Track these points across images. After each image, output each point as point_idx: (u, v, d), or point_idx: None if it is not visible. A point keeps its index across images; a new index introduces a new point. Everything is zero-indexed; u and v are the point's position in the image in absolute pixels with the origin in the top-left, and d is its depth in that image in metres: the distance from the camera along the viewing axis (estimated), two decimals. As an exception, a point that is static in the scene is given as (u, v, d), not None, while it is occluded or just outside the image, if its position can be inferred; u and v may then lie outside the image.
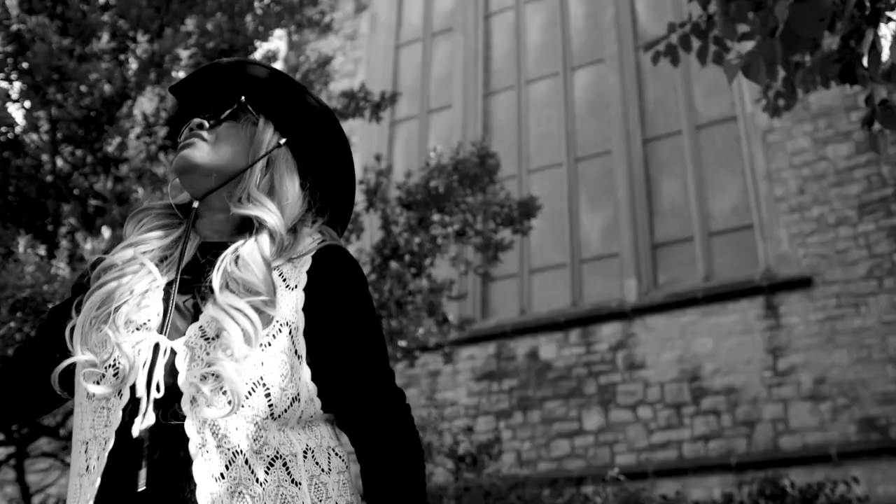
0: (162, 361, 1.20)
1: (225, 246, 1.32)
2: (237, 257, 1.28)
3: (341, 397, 1.33)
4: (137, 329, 1.23)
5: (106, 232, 3.60)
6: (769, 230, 8.08)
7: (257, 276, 1.25)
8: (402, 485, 1.30)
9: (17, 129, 4.50)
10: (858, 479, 6.26)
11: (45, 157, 4.59)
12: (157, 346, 1.21)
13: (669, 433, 7.65)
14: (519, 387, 8.43)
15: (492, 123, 10.29)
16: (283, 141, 1.40)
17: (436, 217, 5.37)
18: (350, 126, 9.66)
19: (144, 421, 1.16)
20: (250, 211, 1.32)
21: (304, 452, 1.25)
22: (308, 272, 1.33)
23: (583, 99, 9.90)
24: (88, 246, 3.45)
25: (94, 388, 1.20)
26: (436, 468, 6.56)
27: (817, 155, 8.09)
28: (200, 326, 1.22)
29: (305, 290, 1.30)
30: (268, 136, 1.39)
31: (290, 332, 1.26)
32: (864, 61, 2.34)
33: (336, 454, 1.32)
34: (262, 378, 1.21)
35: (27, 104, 4.39)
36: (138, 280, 1.28)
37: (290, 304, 1.28)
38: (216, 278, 1.25)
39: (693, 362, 7.81)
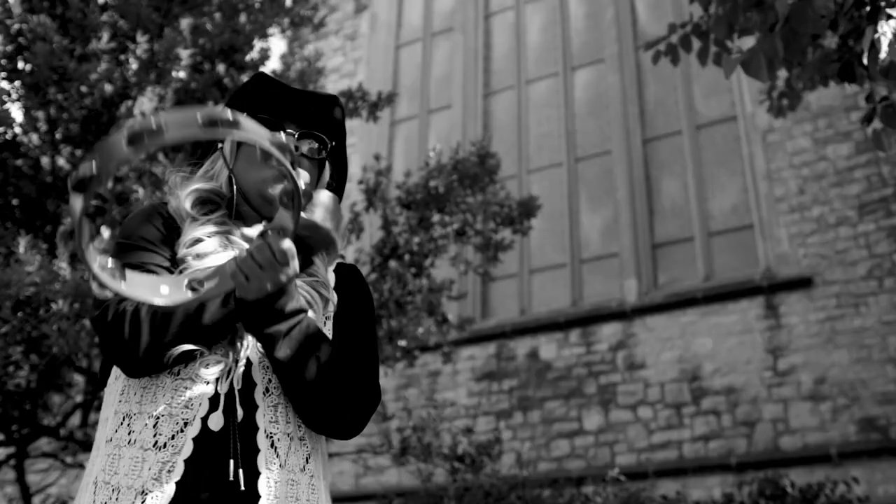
0: (245, 354, 1.28)
1: None
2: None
3: None
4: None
5: (105, 232, 3.60)
6: (769, 230, 8.08)
7: (318, 266, 1.39)
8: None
9: (17, 129, 4.50)
10: (858, 480, 6.25)
11: (44, 158, 4.59)
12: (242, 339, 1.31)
13: (669, 433, 7.65)
14: (519, 387, 8.42)
15: (492, 123, 10.29)
16: (329, 180, 1.54)
17: (435, 217, 5.37)
18: (350, 126, 9.65)
19: (227, 414, 1.23)
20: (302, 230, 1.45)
21: (317, 450, 1.35)
22: (336, 272, 1.51)
23: (583, 99, 9.90)
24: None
25: (204, 372, 1.25)
26: (435, 469, 6.56)
27: (817, 155, 8.09)
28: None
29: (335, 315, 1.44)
30: (327, 177, 1.52)
31: (324, 322, 1.41)
32: (864, 59, 2.34)
33: (325, 459, 1.41)
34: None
35: (27, 104, 4.39)
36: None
37: (333, 298, 1.43)
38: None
39: (693, 362, 7.80)
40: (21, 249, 3.44)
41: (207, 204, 1.44)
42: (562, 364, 8.34)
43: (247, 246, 1.27)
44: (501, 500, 6.20)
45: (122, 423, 1.26)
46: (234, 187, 1.44)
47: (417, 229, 5.33)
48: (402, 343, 5.41)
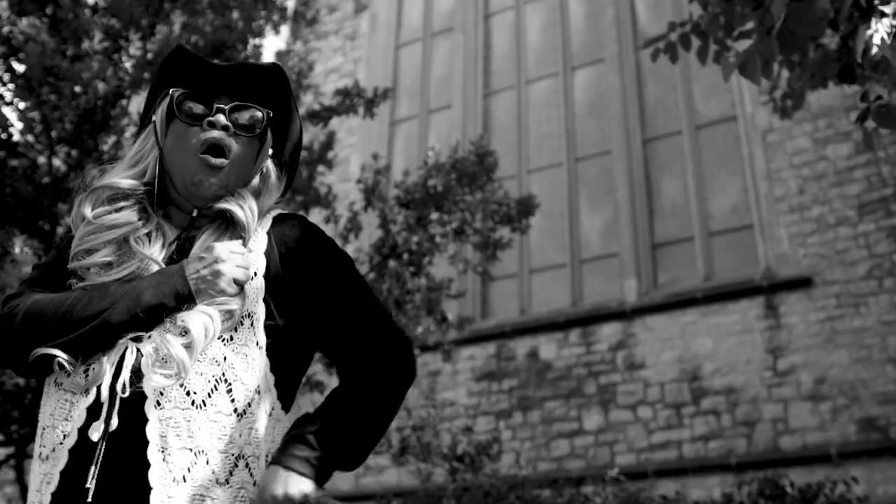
0: (128, 364, 1.19)
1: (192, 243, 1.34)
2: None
3: (343, 347, 1.34)
4: None
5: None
6: (769, 230, 8.07)
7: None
8: (374, 404, 1.31)
9: (12, 130, 4.50)
10: (858, 480, 6.24)
11: (41, 159, 4.59)
12: (125, 349, 1.21)
13: (669, 433, 7.64)
14: (519, 387, 8.42)
15: (492, 123, 10.29)
16: (271, 150, 1.43)
17: (434, 216, 5.37)
18: (350, 126, 9.67)
19: (104, 424, 1.16)
20: (229, 204, 1.33)
21: (267, 456, 1.25)
22: (265, 253, 1.34)
23: (583, 99, 9.90)
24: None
25: (64, 380, 1.21)
26: (435, 468, 6.55)
27: (817, 155, 8.08)
28: (164, 326, 1.23)
29: (265, 275, 1.32)
30: (268, 150, 1.41)
31: (251, 324, 1.27)
32: (858, 57, 2.34)
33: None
34: (223, 375, 1.22)
35: (21, 105, 4.39)
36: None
37: (250, 294, 1.29)
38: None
39: (693, 362, 7.80)
40: (17, 250, 3.44)
41: (117, 201, 1.34)
42: (562, 364, 8.33)
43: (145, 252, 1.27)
44: (501, 500, 6.19)
45: (37, 433, 1.26)
46: (157, 170, 1.35)
47: (416, 228, 5.33)
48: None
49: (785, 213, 8.00)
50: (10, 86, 4.34)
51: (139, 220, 1.33)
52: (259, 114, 1.37)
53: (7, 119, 4.27)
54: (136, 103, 4.84)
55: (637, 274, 8.56)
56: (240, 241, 1.31)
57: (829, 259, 7.64)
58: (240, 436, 1.22)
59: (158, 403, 1.18)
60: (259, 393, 1.25)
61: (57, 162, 4.63)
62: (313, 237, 1.39)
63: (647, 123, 9.38)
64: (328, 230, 6.47)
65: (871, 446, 6.83)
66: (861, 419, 6.99)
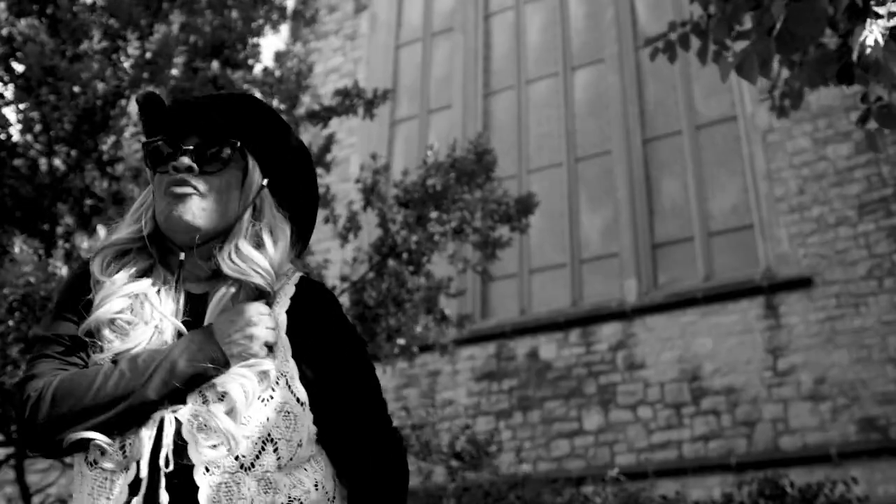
0: (168, 437, 1.17)
1: (207, 298, 1.30)
2: None
3: (338, 431, 1.32)
4: None
5: (102, 231, 3.60)
6: (769, 230, 8.07)
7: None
8: None
9: (12, 130, 4.51)
10: (858, 480, 6.24)
11: (40, 159, 4.59)
12: (162, 420, 1.19)
13: (669, 433, 7.64)
14: (519, 387, 8.42)
15: (492, 123, 10.29)
16: (265, 182, 1.36)
17: (433, 215, 5.37)
18: (349, 126, 9.66)
19: (153, 499, 1.14)
20: (241, 275, 1.28)
21: (315, 485, 1.27)
22: (287, 312, 1.32)
23: (583, 99, 9.90)
24: (85, 245, 3.46)
25: (100, 460, 1.18)
26: (435, 468, 6.55)
27: (817, 155, 8.08)
28: (202, 392, 1.21)
29: (288, 333, 1.30)
30: (256, 179, 1.35)
31: (286, 383, 1.26)
32: (854, 57, 2.34)
33: (337, 479, 1.34)
34: (269, 434, 1.21)
35: (21, 105, 4.40)
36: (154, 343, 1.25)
37: (280, 352, 1.28)
38: None
39: (693, 362, 7.80)
40: (17, 249, 3.45)
41: (123, 256, 1.32)
42: (562, 364, 8.33)
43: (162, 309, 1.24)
44: (501, 499, 6.19)
45: None
46: (151, 222, 1.33)
47: (415, 227, 5.33)
48: (402, 341, 5.40)
49: (785, 213, 8.00)
50: (10, 86, 4.35)
51: (147, 276, 1.31)
52: (226, 147, 1.32)
53: (7, 119, 4.28)
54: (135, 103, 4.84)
55: (637, 274, 8.56)
56: (263, 301, 1.29)
57: (829, 259, 7.64)
58: (286, 485, 1.23)
59: (207, 470, 1.17)
60: (300, 446, 1.25)
61: (56, 162, 4.63)
62: (337, 317, 1.37)
63: (647, 123, 9.38)
64: (327, 230, 6.48)
65: (871, 446, 6.83)
66: (861, 419, 6.99)
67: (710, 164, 8.89)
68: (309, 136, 6.53)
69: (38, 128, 4.57)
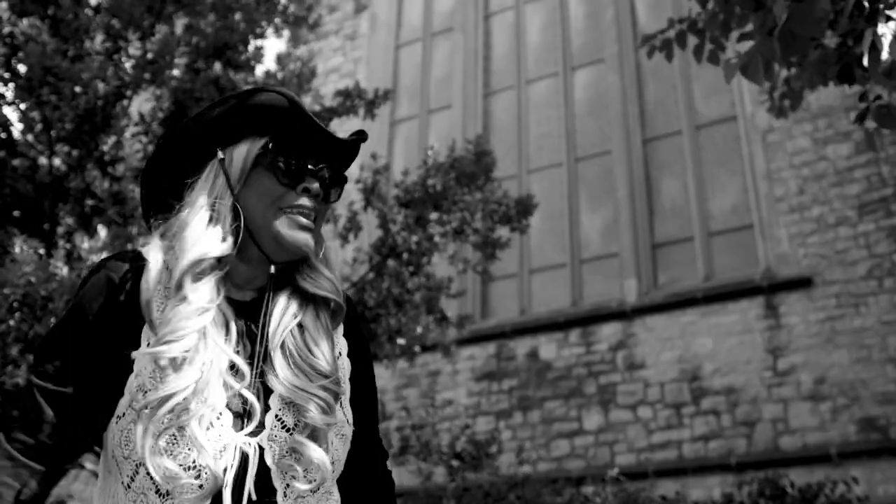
0: (253, 467, 1.12)
1: (256, 306, 1.23)
2: (302, 330, 1.21)
3: (358, 453, 1.31)
4: (211, 426, 1.12)
5: (102, 231, 3.60)
6: (769, 230, 8.07)
7: (326, 360, 1.19)
8: None
9: (13, 130, 4.51)
10: (858, 480, 6.25)
11: (41, 159, 4.59)
12: (242, 451, 1.13)
13: (669, 433, 7.64)
14: (519, 387, 8.42)
15: (492, 123, 10.29)
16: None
17: (433, 216, 5.37)
18: (350, 126, 9.66)
19: None
20: (319, 290, 1.24)
21: None
22: (344, 335, 1.32)
23: (583, 99, 9.90)
24: (86, 245, 3.46)
25: (173, 491, 1.09)
26: (435, 468, 6.55)
27: (817, 155, 8.09)
28: (277, 416, 1.16)
29: (349, 355, 1.30)
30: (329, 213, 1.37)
31: (341, 404, 1.24)
32: (864, 60, 2.33)
33: None
34: (332, 458, 1.20)
35: (22, 105, 4.39)
36: (210, 377, 1.13)
37: (341, 376, 1.26)
38: (278, 356, 1.17)
39: (693, 362, 7.80)
40: (17, 249, 3.44)
41: (204, 275, 1.17)
42: (562, 364, 8.33)
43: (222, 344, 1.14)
44: (501, 499, 6.19)
45: None
46: (241, 223, 1.19)
47: (415, 228, 5.33)
48: (402, 341, 5.41)
49: (785, 213, 8.01)
50: (11, 86, 4.34)
51: (218, 294, 1.18)
52: (342, 184, 1.29)
53: (7, 119, 4.28)
54: (137, 103, 4.84)
55: (637, 274, 8.56)
56: (327, 321, 1.26)
57: (829, 259, 7.65)
58: None
59: (284, 495, 1.14)
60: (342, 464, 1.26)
61: (57, 162, 4.62)
62: (366, 333, 1.43)
63: (647, 123, 9.38)
64: (327, 230, 6.48)
65: (871, 446, 6.83)
66: (861, 419, 6.99)
67: (710, 164, 8.89)
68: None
69: (38, 128, 4.57)
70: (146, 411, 1.09)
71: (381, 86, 9.16)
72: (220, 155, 1.22)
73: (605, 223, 9.18)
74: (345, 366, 1.28)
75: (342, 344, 1.30)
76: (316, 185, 1.22)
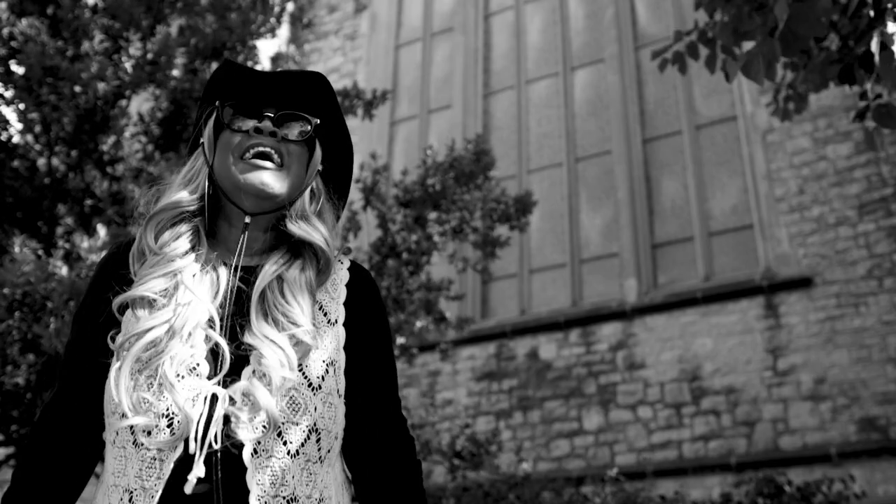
0: (220, 413, 1.14)
1: (257, 271, 1.26)
2: (281, 283, 1.24)
3: (361, 426, 1.32)
4: (187, 374, 1.17)
5: (102, 231, 3.60)
6: (769, 230, 8.07)
7: (302, 310, 1.22)
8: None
9: (12, 131, 4.51)
10: (855, 477, 6.25)
11: (40, 159, 4.59)
12: (213, 397, 1.16)
13: (669, 433, 7.64)
14: (519, 387, 8.42)
15: (492, 123, 10.29)
16: (320, 167, 1.36)
17: (433, 215, 5.37)
18: (350, 126, 9.65)
19: (196, 476, 1.11)
20: (307, 235, 1.28)
21: (336, 492, 1.26)
22: (345, 304, 1.32)
23: (583, 99, 9.89)
24: (85, 245, 3.46)
25: (147, 440, 1.14)
26: (435, 467, 6.55)
27: (817, 155, 8.09)
28: (254, 371, 1.18)
29: (345, 324, 1.30)
30: (317, 160, 1.35)
31: (334, 372, 1.25)
32: (876, 59, 2.31)
33: (348, 489, 1.33)
34: (315, 424, 1.21)
35: (21, 106, 4.39)
36: (186, 319, 1.19)
37: (333, 342, 1.27)
38: (255, 307, 1.21)
39: (693, 362, 7.80)
40: (17, 249, 3.44)
41: (177, 224, 1.27)
42: (562, 364, 8.33)
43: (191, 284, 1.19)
44: (501, 499, 6.19)
45: (112, 497, 1.18)
46: (208, 185, 1.29)
47: (414, 227, 5.33)
48: (401, 341, 5.41)
49: (785, 213, 8.01)
50: (10, 86, 4.34)
51: (198, 247, 1.27)
52: (307, 122, 1.32)
53: (7, 119, 4.28)
54: (136, 103, 4.84)
55: (637, 274, 8.56)
56: (311, 276, 1.27)
57: (829, 259, 7.64)
58: (321, 481, 1.22)
59: (255, 452, 1.15)
60: (337, 439, 1.26)
61: (56, 162, 4.62)
62: (381, 305, 1.39)
63: (647, 123, 9.38)
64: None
65: (870, 446, 6.83)
66: (861, 419, 6.99)
67: (710, 164, 8.89)
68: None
69: (38, 128, 4.57)
70: (124, 352, 1.17)
71: (381, 86, 9.17)
72: (202, 139, 1.33)
73: (605, 223, 9.17)
74: (339, 334, 1.28)
75: (339, 311, 1.31)
76: (266, 123, 1.28)
